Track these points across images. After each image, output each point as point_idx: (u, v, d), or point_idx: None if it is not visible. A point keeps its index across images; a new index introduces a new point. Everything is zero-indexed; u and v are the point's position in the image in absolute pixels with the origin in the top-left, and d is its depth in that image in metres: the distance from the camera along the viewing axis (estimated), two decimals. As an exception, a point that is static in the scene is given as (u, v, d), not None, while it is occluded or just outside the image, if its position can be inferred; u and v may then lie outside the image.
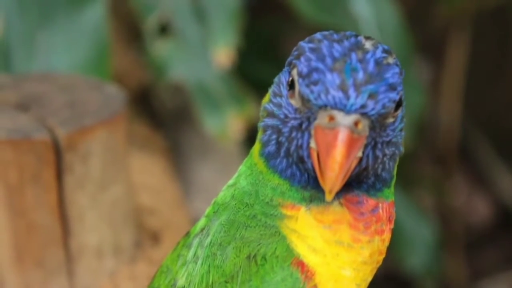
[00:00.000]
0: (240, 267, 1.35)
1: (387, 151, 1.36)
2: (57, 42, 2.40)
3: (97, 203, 1.94)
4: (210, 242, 1.39)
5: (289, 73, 1.36)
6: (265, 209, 1.38)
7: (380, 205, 1.39)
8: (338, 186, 1.28)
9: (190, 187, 2.62)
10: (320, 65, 1.29)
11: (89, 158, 1.90)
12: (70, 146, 1.88)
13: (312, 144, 1.31)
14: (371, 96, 1.28)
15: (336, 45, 1.31)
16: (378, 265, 1.42)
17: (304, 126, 1.32)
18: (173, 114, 2.91)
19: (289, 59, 1.37)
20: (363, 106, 1.28)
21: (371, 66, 1.29)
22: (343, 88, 1.27)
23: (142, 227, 2.15)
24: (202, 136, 2.71)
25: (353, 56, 1.29)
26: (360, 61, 1.29)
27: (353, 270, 1.37)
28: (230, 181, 1.46)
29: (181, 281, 1.42)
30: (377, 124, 1.31)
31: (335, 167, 1.26)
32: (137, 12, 2.59)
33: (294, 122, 1.34)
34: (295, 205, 1.37)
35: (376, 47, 1.32)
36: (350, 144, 1.27)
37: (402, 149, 1.42)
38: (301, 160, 1.34)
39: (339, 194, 1.35)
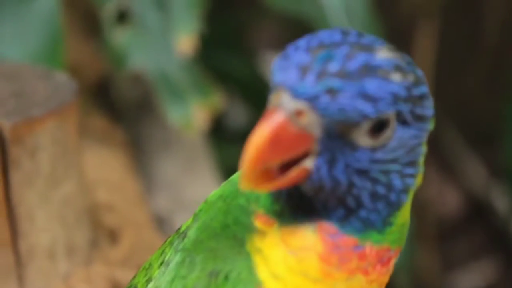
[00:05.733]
0: (201, 284, 1.16)
1: (358, 182, 1.09)
2: (6, 32, 2.26)
3: (47, 201, 1.81)
4: (183, 247, 1.21)
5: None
6: (239, 214, 1.18)
7: (366, 245, 1.16)
8: (252, 174, 1.03)
9: (152, 182, 2.51)
10: (291, 51, 1.06)
11: (38, 152, 1.77)
12: (16, 139, 1.74)
13: None
14: (331, 91, 1.03)
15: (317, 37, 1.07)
16: None
17: None
18: (134, 106, 2.79)
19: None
20: (314, 97, 1.03)
21: (355, 65, 1.04)
22: (304, 69, 1.04)
23: (99, 225, 2.03)
24: (164, 128, 2.60)
25: (343, 49, 1.05)
26: (347, 56, 1.04)
27: None
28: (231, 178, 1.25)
29: (151, 284, 1.25)
30: (334, 133, 1.05)
31: (251, 150, 1.02)
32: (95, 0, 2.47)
33: None
34: (269, 218, 1.15)
35: (388, 59, 1.05)
36: (281, 133, 1.02)
37: (403, 198, 1.15)
38: None
39: (314, 218, 1.13)
